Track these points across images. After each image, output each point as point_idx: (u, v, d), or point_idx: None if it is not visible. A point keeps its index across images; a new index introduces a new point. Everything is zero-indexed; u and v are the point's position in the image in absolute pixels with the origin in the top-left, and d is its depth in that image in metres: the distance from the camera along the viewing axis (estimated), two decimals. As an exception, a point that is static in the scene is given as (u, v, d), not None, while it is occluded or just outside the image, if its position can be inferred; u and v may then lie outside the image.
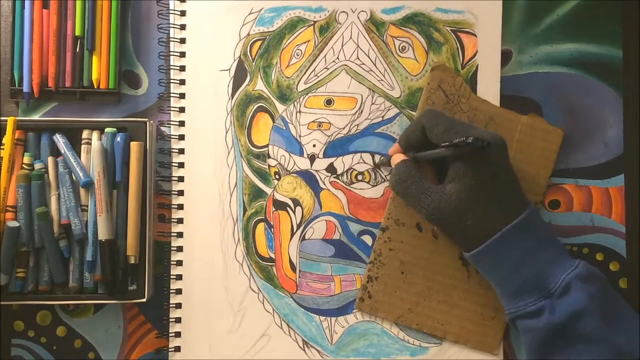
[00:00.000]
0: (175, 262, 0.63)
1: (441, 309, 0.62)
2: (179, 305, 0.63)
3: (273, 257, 0.63)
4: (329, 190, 0.63)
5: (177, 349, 0.62)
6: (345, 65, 0.64)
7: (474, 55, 0.64)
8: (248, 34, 0.65)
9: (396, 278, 0.62)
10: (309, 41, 0.64)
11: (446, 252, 0.62)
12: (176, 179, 0.64)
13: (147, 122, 0.62)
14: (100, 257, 0.60)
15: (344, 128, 0.64)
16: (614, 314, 0.54)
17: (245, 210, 0.64)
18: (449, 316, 0.62)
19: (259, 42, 0.65)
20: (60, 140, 0.62)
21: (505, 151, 0.55)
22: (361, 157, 0.63)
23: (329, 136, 0.64)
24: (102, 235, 0.60)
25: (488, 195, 0.54)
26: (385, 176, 0.63)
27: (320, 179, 0.64)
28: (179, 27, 0.64)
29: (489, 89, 0.64)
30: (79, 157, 0.62)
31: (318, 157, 0.64)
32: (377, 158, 0.63)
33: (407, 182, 0.56)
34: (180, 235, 0.63)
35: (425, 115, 0.57)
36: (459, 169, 0.54)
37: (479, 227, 0.54)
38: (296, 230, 0.63)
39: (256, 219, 0.64)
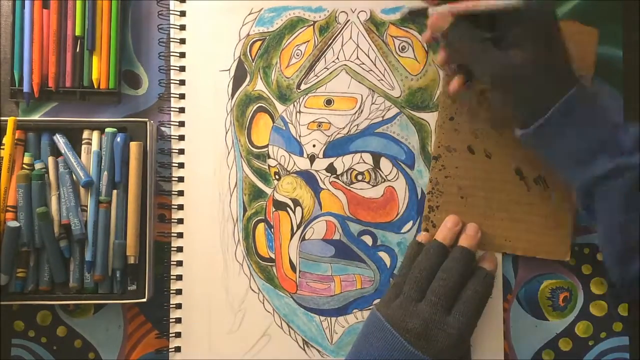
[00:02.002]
0: (175, 263, 0.63)
1: (506, 226, 0.62)
2: (179, 306, 0.63)
3: (273, 257, 0.64)
4: (329, 190, 0.63)
5: (178, 349, 0.62)
6: (345, 65, 0.64)
7: (474, 55, 0.64)
8: (248, 34, 0.65)
9: (457, 204, 0.62)
10: (308, 41, 0.64)
11: (502, 169, 0.62)
12: (176, 179, 0.64)
13: (147, 122, 0.62)
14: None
15: (343, 128, 0.64)
16: None
17: (245, 210, 0.64)
18: (515, 231, 0.62)
19: (258, 42, 0.65)
20: (60, 140, 0.62)
21: (557, 21, 0.54)
22: (361, 157, 0.63)
23: (328, 136, 0.64)
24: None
25: (553, 59, 0.53)
26: (380, 179, 0.63)
27: (320, 179, 0.64)
28: (179, 27, 0.64)
29: (489, 88, 0.64)
30: (79, 157, 0.62)
31: (318, 157, 0.64)
32: (406, 9, 0.58)
33: (470, 43, 0.54)
34: (180, 235, 0.63)
35: None
36: (519, 32, 0.52)
37: (546, 90, 0.53)
38: (296, 231, 0.63)
39: (256, 219, 0.64)
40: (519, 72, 0.53)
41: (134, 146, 0.62)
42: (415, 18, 0.61)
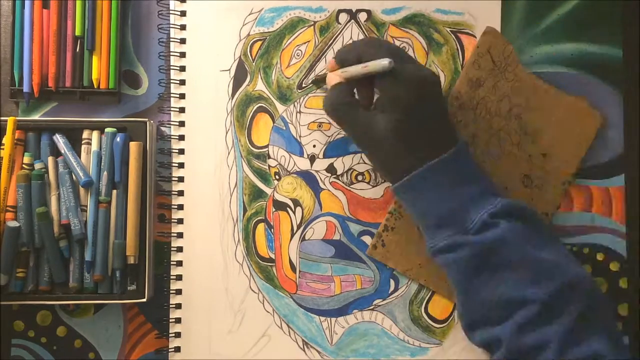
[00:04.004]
0: (175, 263, 0.63)
1: None
2: (179, 306, 0.63)
3: (273, 257, 0.63)
4: (329, 190, 0.63)
5: (177, 349, 0.62)
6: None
7: (474, 56, 0.64)
8: (248, 34, 0.65)
9: (412, 232, 0.62)
10: (309, 41, 0.64)
11: None
12: (176, 179, 0.64)
13: (147, 122, 0.62)
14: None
15: (344, 128, 0.64)
16: (540, 239, 0.53)
17: (245, 210, 0.64)
18: None
19: (259, 43, 0.65)
20: (60, 140, 0.62)
21: (438, 87, 0.56)
22: (361, 157, 0.63)
23: (329, 136, 0.64)
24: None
25: (417, 128, 0.54)
26: (380, 180, 0.63)
27: (320, 179, 0.63)
28: (179, 27, 0.64)
29: (489, 89, 0.64)
30: (79, 157, 0.62)
31: (318, 158, 0.64)
32: (313, 77, 0.63)
33: (341, 109, 0.57)
34: (180, 235, 0.63)
35: (366, 43, 0.58)
36: (386, 99, 0.54)
37: (406, 159, 0.54)
38: (296, 231, 0.63)
39: (256, 219, 0.64)
40: (380, 136, 0.54)
41: (133, 146, 0.62)
42: (319, 84, 0.63)
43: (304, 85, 0.64)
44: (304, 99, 0.64)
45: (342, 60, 0.58)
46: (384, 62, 0.52)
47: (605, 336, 0.50)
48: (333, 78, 0.58)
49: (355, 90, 0.58)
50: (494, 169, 0.62)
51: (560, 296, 0.50)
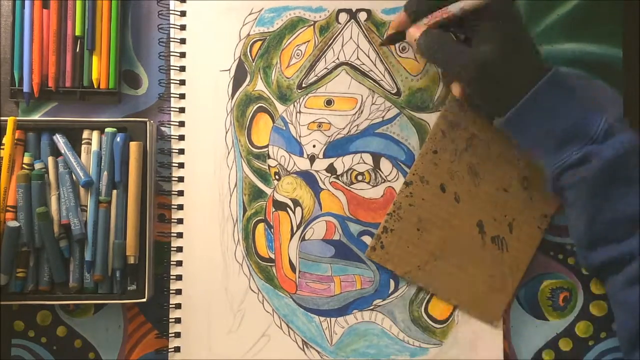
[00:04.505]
0: (175, 263, 0.63)
1: (450, 272, 0.62)
2: (178, 306, 0.63)
3: (273, 257, 0.63)
4: (329, 190, 0.63)
5: (177, 349, 0.62)
6: (345, 65, 0.64)
7: (474, 56, 0.64)
8: (248, 34, 0.65)
9: (411, 233, 0.62)
10: (309, 41, 0.64)
11: (466, 217, 0.62)
12: (176, 179, 0.64)
13: (147, 122, 0.62)
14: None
15: (344, 128, 0.64)
16: None
17: (245, 210, 0.64)
18: (457, 281, 0.62)
19: (259, 43, 0.65)
20: (60, 140, 0.62)
21: (522, 18, 0.58)
22: (361, 157, 0.63)
23: (329, 136, 0.64)
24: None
25: (521, 54, 0.55)
26: (380, 180, 0.63)
27: (320, 179, 0.63)
28: (179, 27, 0.64)
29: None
30: (79, 157, 0.62)
31: (318, 158, 0.64)
32: (383, 38, 0.63)
33: (441, 47, 0.56)
34: (180, 235, 0.63)
35: None
36: (487, 29, 0.54)
37: (516, 83, 0.54)
38: (296, 231, 0.63)
39: (256, 219, 0.64)
40: (490, 66, 0.54)
41: (134, 146, 0.62)
42: (394, 40, 0.62)
43: (303, 85, 0.64)
44: (303, 99, 0.64)
45: (417, 9, 0.58)
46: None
47: None
48: (416, 29, 0.57)
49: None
50: (494, 170, 0.62)
51: None
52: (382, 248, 0.62)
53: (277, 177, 0.64)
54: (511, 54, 0.54)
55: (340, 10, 0.64)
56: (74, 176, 0.61)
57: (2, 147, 0.60)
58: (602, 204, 0.53)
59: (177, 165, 0.64)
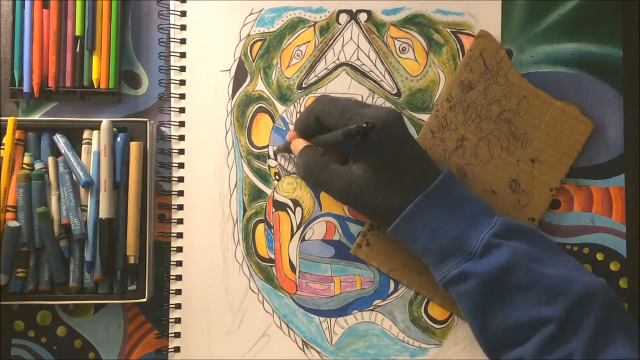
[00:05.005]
0: (175, 263, 0.63)
1: (429, 278, 0.60)
2: (178, 306, 0.63)
3: (273, 257, 0.64)
4: (329, 190, 0.63)
5: (177, 349, 0.62)
6: (346, 66, 0.64)
7: (474, 56, 0.64)
8: (248, 35, 0.65)
9: None
10: (309, 42, 0.64)
11: None
12: (176, 179, 0.64)
13: (148, 122, 0.62)
14: (99, 237, 0.60)
15: (344, 128, 0.63)
16: (545, 255, 0.53)
17: (245, 210, 0.64)
18: (433, 288, 0.61)
19: (259, 43, 0.65)
20: (60, 140, 0.62)
21: (402, 126, 0.55)
22: (361, 157, 0.63)
23: (329, 137, 0.64)
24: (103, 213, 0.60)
25: (395, 171, 0.54)
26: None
27: (320, 179, 0.63)
28: (179, 27, 0.64)
29: (489, 89, 0.64)
30: (79, 157, 0.62)
31: (318, 158, 0.63)
32: (274, 147, 0.63)
33: (315, 170, 0.56)
34: (180, 235, 0.63)
35: (318, 104, 0.57)
36: (360, 150, 0.54)
37: (392, 202, 0.54)
38: (296, 231, 0.63)
39: (256, 219, 0.64)
40: (362, 189, 0.54)
41: (134, 146, 0.62)
42: (281, 153, 0.63)
43: (304, 86, 0.64)
44: (304, 99, 0.64)
45: (303, 127, 0.59)
46: (362, 126, 0.51)
47: (627, 338, 0.50)
48: (299, 143, 0.58)
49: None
50: (482, 173, 0.62)
51: (575, 310, 0.50)
52: (368, 245, 0.62)
53: (277, 177, 0.64)
54: (385, 173, 0.54)
55: (340, 11, 0.64)
56: (74, 176, 0.61)
57: (2, 147, 0.60)
58: (487, 317, 0.53)
59: (177, 165, 0.64)
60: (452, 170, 0.61)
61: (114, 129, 0.62)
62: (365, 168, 0.54)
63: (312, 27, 0.64)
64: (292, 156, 0.61)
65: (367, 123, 0.51)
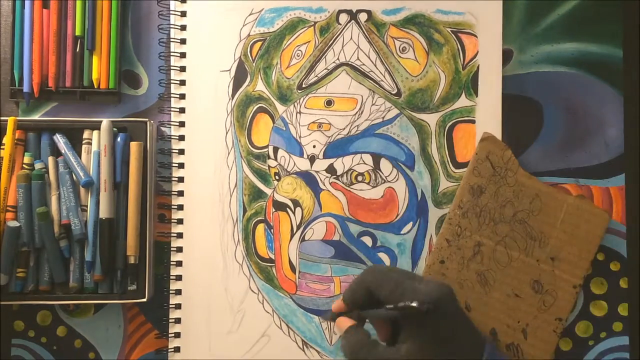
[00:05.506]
0: (175, 263, 0.63)
1: None
2: (178, 306, 0.63)
3: (273, 257, 0.64)
4: (328, 191, 0.63)
5: (177, 349, 0.62)
6: (346, 66, 0.64)
7: (475, 56, 0.64)
8: (248, 35, 0.65)
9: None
10: (309, 42, 0.64)
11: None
12: (176, 179, 0.64)
13: (148, 122, 0.62)
14: (99, 237, 0.60)
15: (344, 129, 0.64)
16: None
17: (245, 210, 0.64)
18: None
19: (259, 43, 0.64)
20: (60, 140, 0.62)
21: (455, 302, 0.52)
22: (361, 158, 0.63)
23: (329, 137, 0.64)
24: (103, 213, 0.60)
25: (446, 349, 0.51)
26: (380, 180, 0.63)
27: (320, 179, 0.63)
28: (179, 27, 0.64)
29: (490, 89, 0.63)
30: (80, 157, 0.62)
31: (318, 158, 0.64)
32: (323, 317, 0.62)
33: (362, 353, 0.52)
34: (180, 235, 0.63)
35: (369, 275, 0.54)
36: (412, 329, 0.51)
37: None
38: (296, 231, 0.63)
39: (256, 219, 0.64)
40: None
41: (134, 146, 0.62)
42: (328, 320, 0.59)
43: (304, 86, 0.64)
44: (304, 99, 0.64)
45: (352, 299, 0.54)
46: (413, 305, 0.49)
47: None
48: (344, 322, 0.54)
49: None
50: (503, 277, 0.61)
51: None
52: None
53: (277, 177, 0.64)
54: (435, 353, 0.50)
55: (340, 11, 0.64)
56: (74, 176, 0.61)
57: (2, 147, 0.60)
58: None
59: (177, 165, 0.64)
60: (472, 278, 0.60)
61: (114, 129, 0.62)
62: (416, 349, 0.50)
63: (312, 27, 0.64)
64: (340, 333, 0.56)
65: (423, 304, 0.48)
